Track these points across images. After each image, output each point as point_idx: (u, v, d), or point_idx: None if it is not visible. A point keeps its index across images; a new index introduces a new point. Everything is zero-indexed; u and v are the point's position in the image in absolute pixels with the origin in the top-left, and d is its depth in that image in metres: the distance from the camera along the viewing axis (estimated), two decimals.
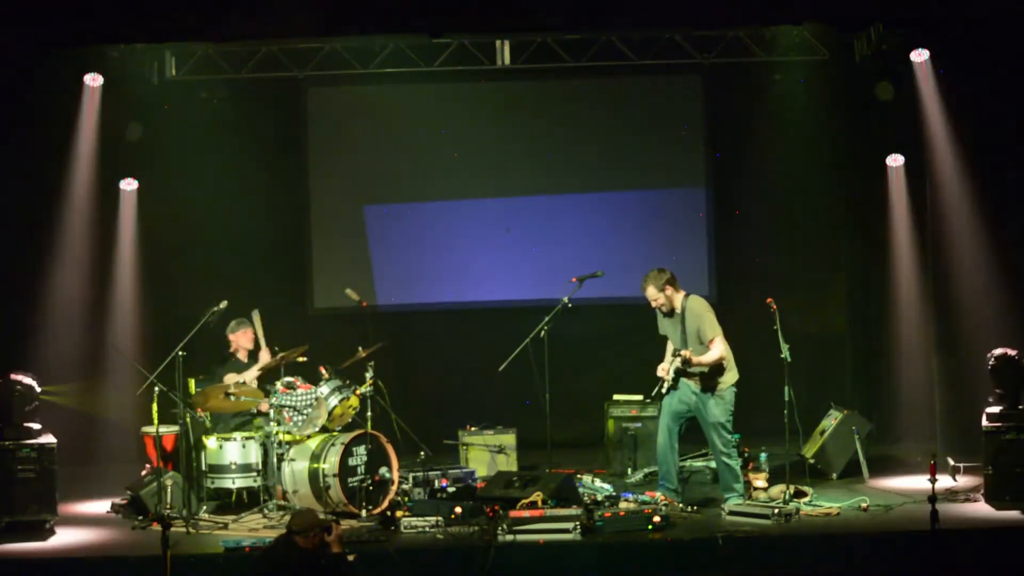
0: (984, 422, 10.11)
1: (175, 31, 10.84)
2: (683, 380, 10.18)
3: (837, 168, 13.34)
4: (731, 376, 10.16)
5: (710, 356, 10.04)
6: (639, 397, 11.92)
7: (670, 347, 10.28)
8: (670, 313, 10.22)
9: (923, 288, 12.31)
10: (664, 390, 10.16)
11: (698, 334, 10.08)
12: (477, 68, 13.18)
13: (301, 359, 10.76)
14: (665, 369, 10.13)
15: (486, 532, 9.23)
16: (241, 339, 11.06)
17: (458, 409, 12.57)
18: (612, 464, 11.89)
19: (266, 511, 10.13)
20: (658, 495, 10.19)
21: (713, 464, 10.73)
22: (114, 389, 12.40)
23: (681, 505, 10.07)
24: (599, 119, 13.58)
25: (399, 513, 9.77)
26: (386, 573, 8.92)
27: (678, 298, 10.20)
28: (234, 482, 10.34)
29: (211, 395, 10.36)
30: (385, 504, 10.14)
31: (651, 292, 10.17)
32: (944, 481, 10.48)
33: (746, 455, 11.08)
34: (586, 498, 10.23)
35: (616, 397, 12.11)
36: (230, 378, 10.73)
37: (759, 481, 10.33)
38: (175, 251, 13.22)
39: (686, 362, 9.99)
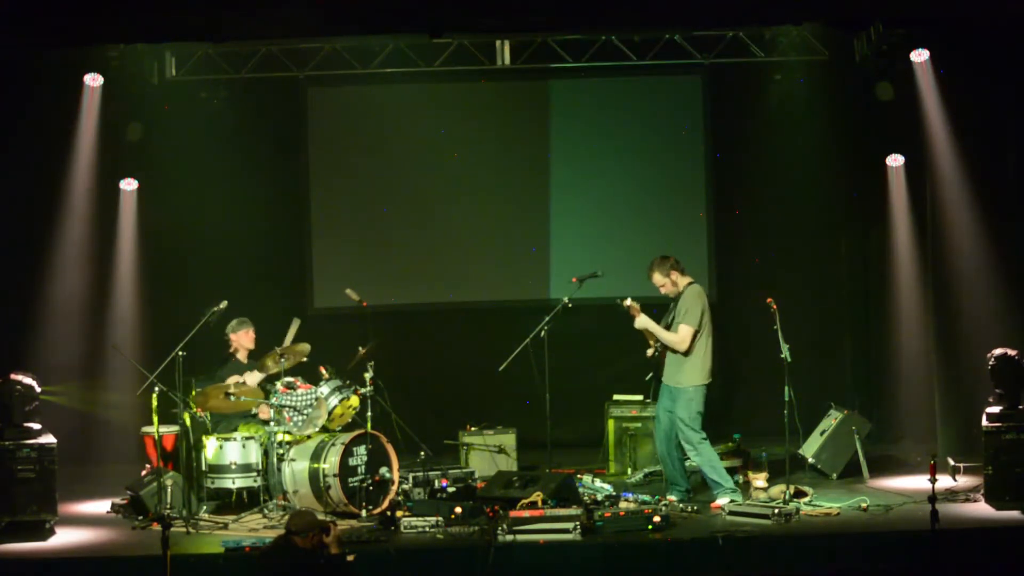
0: (984, 422, 10.11)
1: (175, 31, 10.83)
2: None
3: (837, 168, 13.33)
4: (695, 376, 10.17)
5: (666, 333, 10.14)
6: (639, 397, 11.93)
7: None
8: (676, 298, 10.32)
9: (923, 288, 12.30)
10: (653, 374, 10.29)
11: (679, 316, 10.18)
12: (477, 68, 13.19)
13: (303, 359, 10.76)
14: (649, 350, 10.33)
15: (486, 532, 9.23)
16: (242, 339, 11.03)
17: (458, 409, 12.57)
18: (612, 464, 11.89)
19: (266, 511, 10.14)
20: (672, 499, 10.21)
21: None
22: (114, 389, 12.40)
23: (681, 505, 10.07)
24: (599, 119, 13.57)
25: (399, 513, 9.77)
26: (386, 573, 8.93)
27: (683, 283, 10.31)
28: (234, 482, 10.34)
29: (211, 395, 10.37)
30: (385, 504, 10.15)
31: (657, 278, 10.29)
32: (944, 481, 10.48)
33: (738, 449, 11.21)
34: (586, 498, 10.23)
35: (616, 397, 12.12)
36: (233, 379, 10.71)
37: (759, 481, 10.33)
38: (175, 251, 13.22)
39: (621, 308, 10.10)
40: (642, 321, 10.23)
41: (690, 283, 10.32)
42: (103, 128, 12.41)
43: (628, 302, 10.20)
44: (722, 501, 10.03)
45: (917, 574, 8.93)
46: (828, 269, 13.64)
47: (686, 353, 10.13)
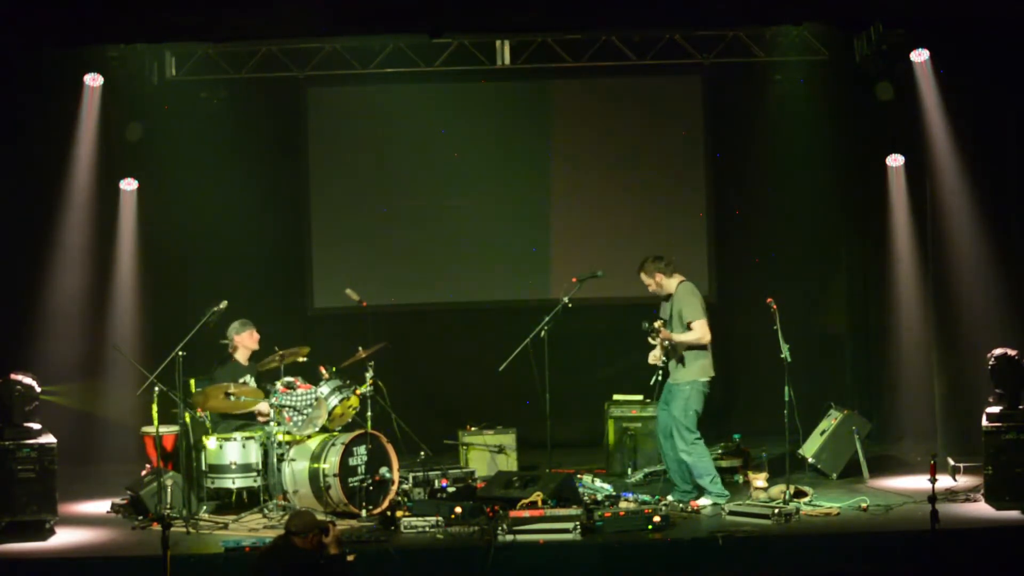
0: (984, 422, 10.11)
1: (175, 31, 10.82)
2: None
3: (837, 168, 13.33)
4: (690, 373, 10.16)
5: (687, 336, 10.12)
6: (639, 397, 11.93)
7: None
8: (667, 298, 10.32)
9: (923, 288, 12.29)
10: (660, 377, 10.24)
11: (680, 316, 10.18)
12: (477, 68, 13.18)
13: (301, 359, 10.76)
14: (655, 356, 10.23)
15: (486, 532, 9.23)
16: (246, 340, 10.97)
17: (458, 409, 12.58)
18: (612, 464, 11.89)
19: (266, 511, 10.14)
20: (670, 498, 10.20)
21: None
22: (114, 389, 12.38)
23: (681, 505, 10.07)
24: (599, 119, 13.58)
25: (399, 513, 9.77)
26: (386, 573, 8.93)
27: (671, 283, 10.32)
28: (234, 482, 10.34)
29: (211, 395, 10.36)
30: (385, 504, 10.15)
31: (643, 277, 10.37)
32: (944, 481, 10.48)
33: (738, 449, 11.21)
34: (586, 498, 10.23)
35: (616, 397, 12.12)
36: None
37: (759, 481, 10.33)
38: (175, 251, 13.21)
39: (651, 331, 10.04)
40: (664, 334, 10.17)
41: (681, 282, 10.32)
42: (103, 128, 12.39)
43: (659, 325, 10.11)
44: (702, 501, 10.04)
45: (917, 574, 8.93)
46: (828, 269, 13.65)
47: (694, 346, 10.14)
